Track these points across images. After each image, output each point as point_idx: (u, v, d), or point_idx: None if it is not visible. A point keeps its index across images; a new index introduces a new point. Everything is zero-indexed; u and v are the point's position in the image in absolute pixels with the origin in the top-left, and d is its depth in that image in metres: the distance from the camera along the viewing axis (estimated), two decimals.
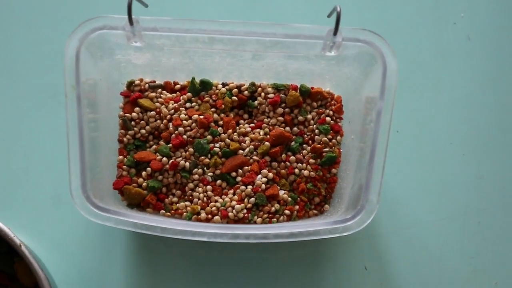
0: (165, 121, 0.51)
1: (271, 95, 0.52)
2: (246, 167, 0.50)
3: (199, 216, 0.49)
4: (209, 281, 0.54)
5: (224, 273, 0.54)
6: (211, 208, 0.49)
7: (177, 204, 0.50)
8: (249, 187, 0.50)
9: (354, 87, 0.50)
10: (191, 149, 0.50)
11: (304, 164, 0.51)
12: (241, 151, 0.51)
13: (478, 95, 0.58)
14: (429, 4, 0.60)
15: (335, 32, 0.44)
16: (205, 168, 0.51)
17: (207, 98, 0.52)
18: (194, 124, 0.51)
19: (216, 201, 0.50)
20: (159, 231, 0.43)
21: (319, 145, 0.51)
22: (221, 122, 0.52)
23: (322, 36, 0.44)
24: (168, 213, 0.50)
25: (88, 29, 0.43)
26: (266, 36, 0.44)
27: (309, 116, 0.52)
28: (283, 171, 0.51)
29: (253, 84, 0.52)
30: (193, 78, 0.52)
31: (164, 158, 0.50)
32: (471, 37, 0.59)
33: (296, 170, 0.51)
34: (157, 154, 0.51)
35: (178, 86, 0.53)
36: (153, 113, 0.51)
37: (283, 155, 0.51)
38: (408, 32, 0.60)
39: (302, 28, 0.44)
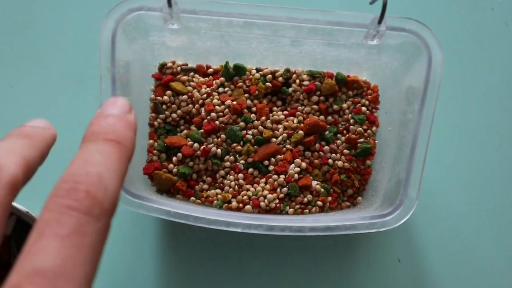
0: (197, 105, 0.50)
1: (306, 83, 0.50)
2: (279, 156, 0.49)
3: (230, 205, 0.48)
4: (238, 267, 0.53)
5: (253, 261, 0.53)
6: (243, 197, 0.48)
7: (208, 192, 0.49)
8: (282, 176, 0.49)
9: (393, 77, 0.49)
10: (223, 136, 0.49)
11: (338, 155, 0.50)
12: (274, 139, 0.50)
13: None
14: None
15: (380, 21, 0.42)
16: (237, 156, 0.50)
17: (240, 84, 0.51)
18: (226, 110, 0.50)
19: (248, 189, 0.49)
20: (192, 220, 0.42)
21: (354, 136, 0.50)
22: (254, 109, 0.50)
23: (366, 24, 0.43)
24: (199, 201, 0.49)
25: (125, 10, 0.42)
26: (307, 22, 0.43)
27: (345, 105, 0.51)
28: (316, 161, 0.50)
29: (288, 70, 0.50)
30: (227, 62, 0.50)
31: (196, 144, 0.49)
32: (509, 23, 0.57)
33: (330, 161, 0.50)
34: (188, 139, 0.50)
35: (210, 70, 0.51)
36: (185, 97, 0.50)
37: (317, 145, 0.50)
38: (444, 19, 0.58)
39: (345, 16, 0.43)
